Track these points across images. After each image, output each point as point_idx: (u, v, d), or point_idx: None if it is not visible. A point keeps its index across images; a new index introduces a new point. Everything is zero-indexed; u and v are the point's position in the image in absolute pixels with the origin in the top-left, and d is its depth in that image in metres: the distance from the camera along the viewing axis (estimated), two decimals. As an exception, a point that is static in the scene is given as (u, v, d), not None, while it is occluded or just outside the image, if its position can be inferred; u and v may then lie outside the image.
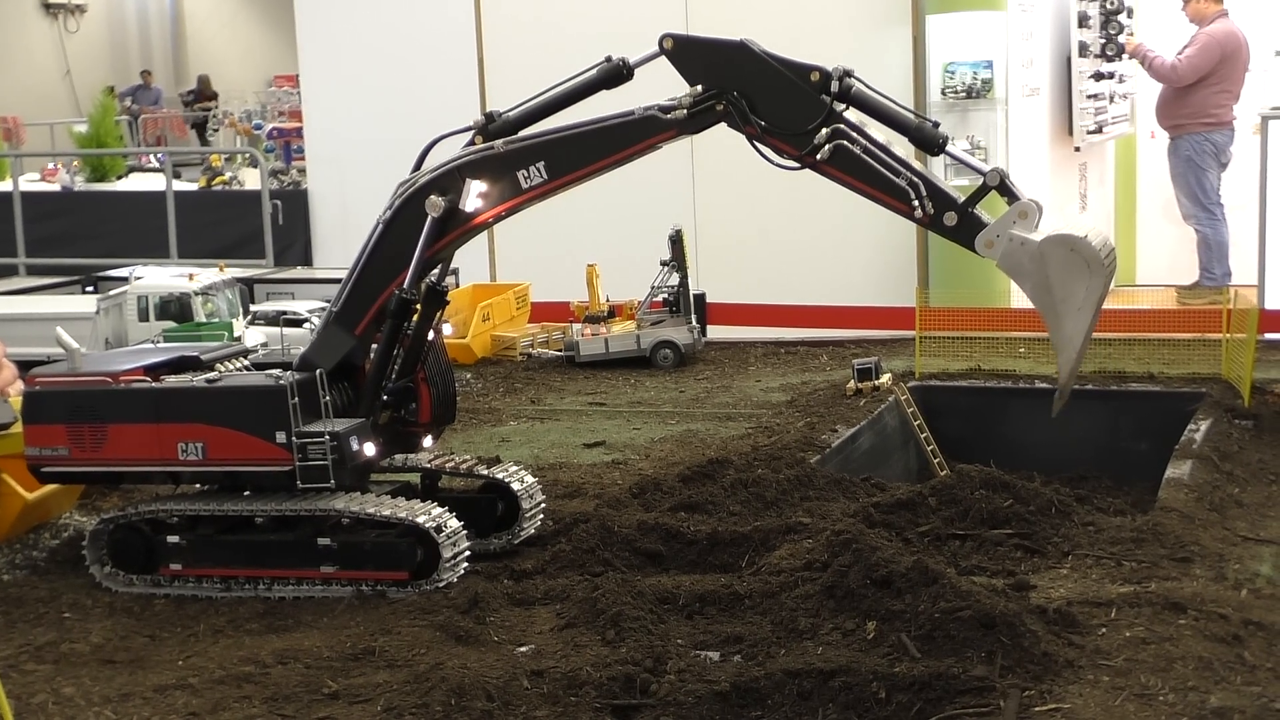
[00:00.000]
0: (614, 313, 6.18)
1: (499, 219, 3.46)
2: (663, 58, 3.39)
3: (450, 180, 3.41)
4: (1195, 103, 12.04)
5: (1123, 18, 13.01)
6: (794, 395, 5.32)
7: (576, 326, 6.14)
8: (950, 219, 3.18)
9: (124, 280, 6.90)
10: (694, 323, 6.01)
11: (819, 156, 3.21)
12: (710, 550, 3.59)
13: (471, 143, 3.44)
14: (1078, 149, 12.64)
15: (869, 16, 12.00)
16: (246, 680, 2.93)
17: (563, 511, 3.94)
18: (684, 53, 3.29)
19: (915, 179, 3.23)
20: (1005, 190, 3.18)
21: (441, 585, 3.39)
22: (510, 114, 3.44)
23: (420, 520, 3.40)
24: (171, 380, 3.49)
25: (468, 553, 3.50)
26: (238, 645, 3.16)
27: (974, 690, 2.69)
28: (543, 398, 5.55)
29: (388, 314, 3.50)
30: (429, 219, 3.39)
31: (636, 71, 3.49)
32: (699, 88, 3.28)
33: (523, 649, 3.02)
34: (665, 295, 6.05)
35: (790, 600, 3.12)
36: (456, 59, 11.98)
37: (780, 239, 12.41)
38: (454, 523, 3.46)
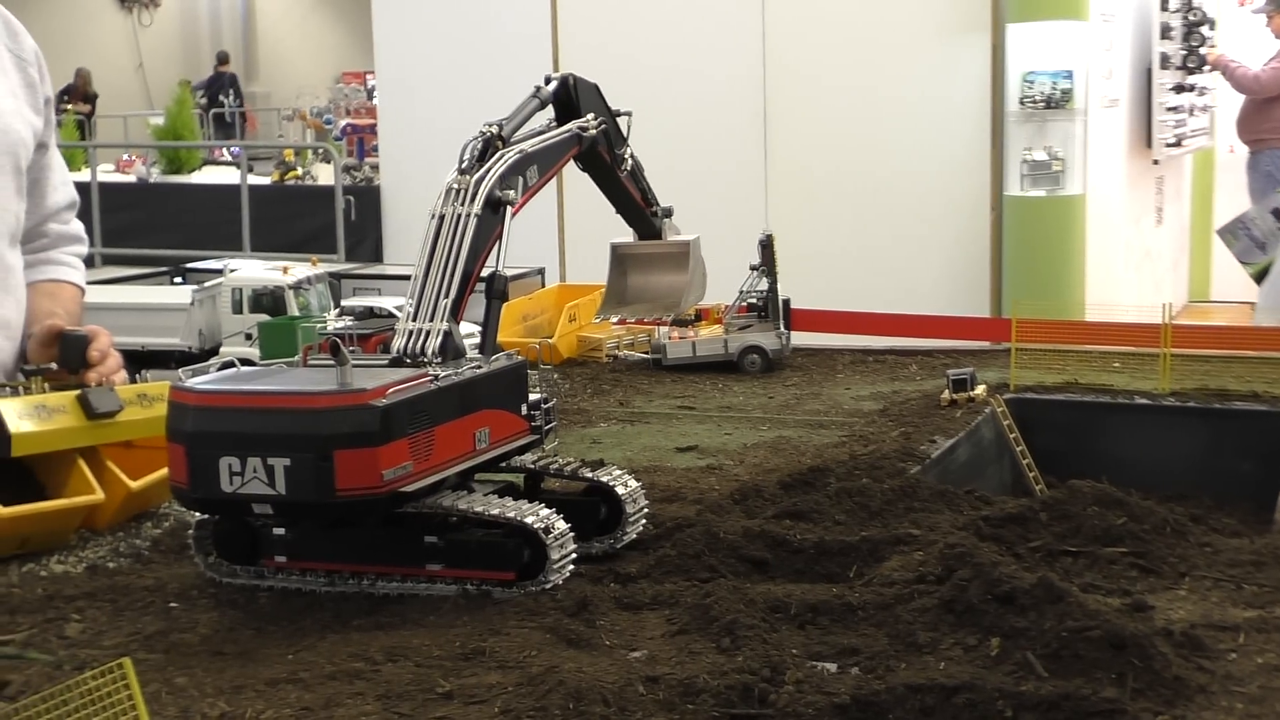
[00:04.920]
0: (701, 316, 6.16)
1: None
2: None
3: (510, 176, 3.64)
4: (1278, 117, 11.80)
5: (1205, 30, 12.81)
6: (886, 404, 5.27)
7: (663, 329, 6.12)
8: (657, 211, 4.25)
9: (215, 273, 6.96)
10: (781, 328, 5.97)
11: (625, 169, 4.07)
12: (817, 559, 3.53)
13: (492, 146, 3.69)
14: (1156, 162, 12.48)
15: (948, 24, 11.90)
16: (357, 677, 2.89)
17: (663, 515, 3.90)
18: (582, 90, 3.98)
19: (648, 184, 4.20)
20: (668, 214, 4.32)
21: (548, 587, 3.35)
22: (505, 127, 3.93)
23: (529, 520, 3.36)
24: (464, 371, 3.42)
25: (574, 555, 3.45)
26: (345, 641, 3.13)
27: (1104, 713, 2.62)
28: (631, 400, 5.52)
29: (492, 297, 3.58)
30: (507, 208, 3.60)
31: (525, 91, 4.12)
32: (591, 115, 3.95)
33: (635, 654, 2.98)
34: (754, 300, 6.01)
35: (906, 613, 3.06)
36: (532, 60, 12.01)
37: (851, 246, 12.32)
38: (562, 524, 3.42)
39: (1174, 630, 2.93)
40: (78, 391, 3.62)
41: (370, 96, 19.62)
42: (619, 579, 3.47)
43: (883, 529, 3.68)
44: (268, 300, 6.14)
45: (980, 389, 5.10)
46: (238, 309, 6.25)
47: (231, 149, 14.31)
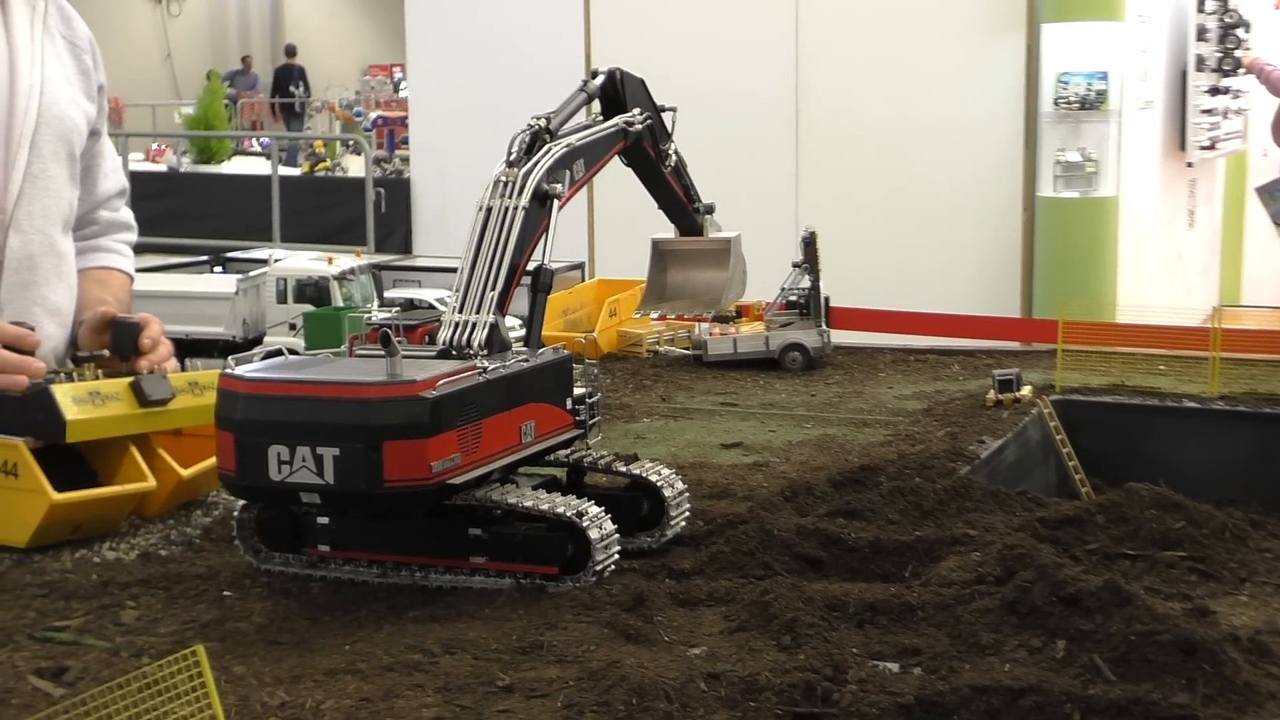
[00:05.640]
0: (741, 313, 6.14)
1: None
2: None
3: (557, 170, 3.63)
4: (1311, 121, 11.71)
5: (1240, 32, 12.73)
6: (930, 404, 5.23)
7: (704, 326, 6.10)
8: (700, 208, 4.22)
9: (256, 262, 6.97)
10: (823, 326, 5.94)
11: (670, 164, 4.04)
12: (872, 558, 3.51)
13: (540, 139, 3.68)
14: (1190, 164, 12.41)
15: (983, 24, 11.84)
16: (416, 668, 2.87)
17: (713, 512, 3.87)
18: (628, 84, 3.96)
19: (690, 180, 4.16)
20: (710, 211, 4.30)
21: (597, 570, 3.30)
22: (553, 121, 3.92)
23: (561, 510, 3.32)
24: (511, 364, 3.40)
25: (616, 537, 3.39)
26: (401, 632, 3.11)
27: (1175, 718, 2.59)
28: (673, 396, 5.50)
29: (537, 290, 3.55)
30: (554, 201, 3.59)
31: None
32: (636, 110, 3.93)
33: (695, 651, 2.95)
34: (795, 297, 5.98)
35: (967, 614, 3.03)
36: (564, 54, 11.96)
37: (881, 245, 12.29)
38: (595, 509, 3.36)
39: (1241, 636, 2.89)
40: (131, 379, 3.61)
41: (397, 89, 19.64)
42: (673, 575, 3.44)
43: (937, 529, 3.65)
44: (312, 290, 6.15)
45: (1026, 390, 5.06)
46: (282, 299, 6.26)
47: (261, 140, 14.37)
